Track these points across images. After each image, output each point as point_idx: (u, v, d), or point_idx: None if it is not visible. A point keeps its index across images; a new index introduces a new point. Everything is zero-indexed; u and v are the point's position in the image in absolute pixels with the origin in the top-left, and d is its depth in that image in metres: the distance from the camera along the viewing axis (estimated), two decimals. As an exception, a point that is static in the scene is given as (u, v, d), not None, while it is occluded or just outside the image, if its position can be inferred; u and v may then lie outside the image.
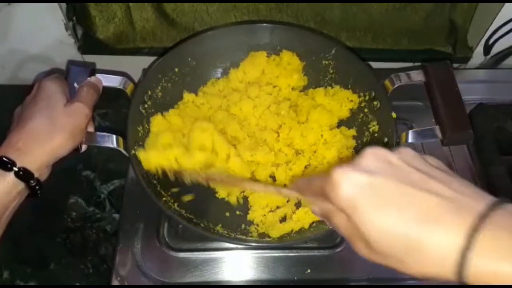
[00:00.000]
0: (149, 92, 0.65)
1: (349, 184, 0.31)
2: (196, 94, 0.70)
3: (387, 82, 0.64)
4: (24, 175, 0.47)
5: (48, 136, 0.50)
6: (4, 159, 0.47)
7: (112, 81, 0.61)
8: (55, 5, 0.67)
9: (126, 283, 0.59)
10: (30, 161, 0.48)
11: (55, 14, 0.69)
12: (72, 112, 0.52)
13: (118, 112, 0.76)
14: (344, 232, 0.34)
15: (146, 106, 0.64)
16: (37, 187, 0.49)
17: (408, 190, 0.30)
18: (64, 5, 0.69)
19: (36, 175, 0.49)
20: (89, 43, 0.75)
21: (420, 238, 0.28)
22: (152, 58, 0.75)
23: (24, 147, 0.48)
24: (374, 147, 0.33)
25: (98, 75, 0.60)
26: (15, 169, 0.47)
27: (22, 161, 0.47)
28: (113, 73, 0.61)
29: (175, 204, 0.60)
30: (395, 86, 0.63)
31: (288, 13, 0.74)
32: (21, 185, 0.48)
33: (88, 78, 0.58)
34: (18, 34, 0.72)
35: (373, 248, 0.31)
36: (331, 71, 0.71)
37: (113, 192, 0.71)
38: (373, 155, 0.32)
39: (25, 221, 0.49)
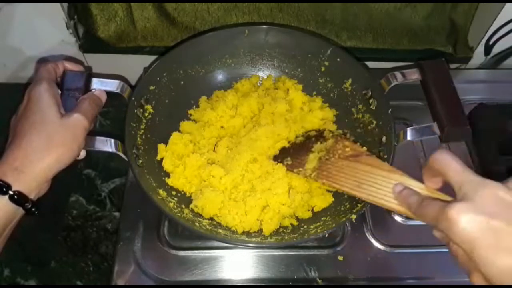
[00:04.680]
0: (146, 96, 0.64)
1: (467, 224, 0.32)
2: (196, 104, 0.71)
3: (383, 81, 0.64)
4: (18, 199, 0.46)
5: (46, 152, 0.48)
6: (0, 182, 0.45)
7: (109, 86, 0.59)
8: (57, 4, 0.67)
9: (126, 282, 0.59)
10: (28, 180, 0.47)
11: (56, 13, 0.69)
12: (70, 125, 0.50)
13: (119, 111, 0.76)
14: (460, 262, 0.36)
15: (142, 110, 0.64)
16: (33, 209, 0.48)
17: None
18: (65, 4, 0.69)
19: (33, 195, 0.48)
20: (90, 42, 0.75)
21: None
22: (153, 57, 0.76)
23: (21, 166, 0.47)
24: (494, 185, 0.34)
25: (94, 79, 0.58)
26: (10, 192, 0.45)
27: (20, 182, 0.46)
28: (110, 77, 0.60)
29: (175, 205, 0.60)
30: (392, 84, 0.63)
31: (288, 13, 0.74)
32: (16, 207, 0.47)
33: (93, 91, 0.57)
34: (19, 33, 0.72)
35: (491, 282, 0.33)
36: (327, 72, 0.71)
37: (114, 190, 0.71)
38: (493, 196, 0.34)
39: (26, 219, 0.49)
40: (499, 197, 0.33)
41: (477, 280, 0.35)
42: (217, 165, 0.62)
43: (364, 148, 0.56)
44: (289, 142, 0.65)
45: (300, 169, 0.59)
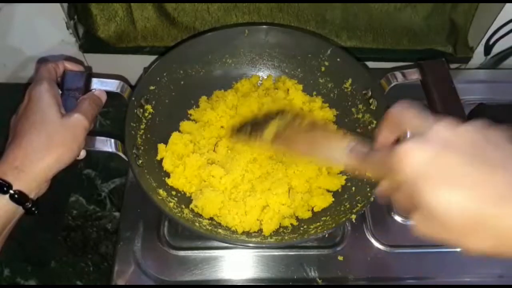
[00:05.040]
0: (146, 96, 0.65)
1: (417, 157, 0.31)
2: (196, 104, 0.71)
3: (383, 81, 0.64)
4: (19, 198, 0.46)
5: (46, 152, 0.48)
6: (0, 181, 0.45)
7: (109, 86, 0.60)
8: (57, 4, 0.67)
9: (126, 282, 0.59)
10: (28, 179, 0.47)
11: (56, 13, 0.69)
12: (70, 125, 0.51)
13: (119, 110, 0.76)
14: (403, 204, 0.34)
15: (142, 110, 0.64)
16: (33, 208, 0.48)
17: (482, 168, 0.30)
18: (65, 4, 0.69)
19: (33, 194, 0.48)
20: (90, 42, 0.75)
21: (496, 216, 0.29)
22: (153, 57, 0.76)
23: (21, 165, 0.47)
24: (446, 121, 0.33)
25: (94, 79, 0.59)
26: (11, 191, 0.46)
27: (20, 181, 0.46)
28: (110, 77, 0.60)
29: (175, 205, 0.60)
30: (392, 84, 0.63)
31: (288, 13, 0.74)
32: (16, 207, 0.47)
33: (93, 91, 0.57)
34: (19, 33, 0.72)
35: (435, 220, 0.31)
36: (327, 72, 0.71)
37: (114, 190, 0.71)
38: (445, 129, 0.32)
39: (25, 219, 0.49)
40: (455, 132, 0.32)
41: (418, 219, 0.33)
42: (217, 165, 0.62)
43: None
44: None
45: (259, 137, 0.57)
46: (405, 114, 0.37)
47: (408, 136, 0.35)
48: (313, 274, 0.61)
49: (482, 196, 0.29)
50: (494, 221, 0.29)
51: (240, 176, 0.62)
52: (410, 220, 0.65)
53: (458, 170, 0.30)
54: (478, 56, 0.80)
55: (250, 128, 0.60)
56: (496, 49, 0.79)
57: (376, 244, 0.64)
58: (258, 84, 0.74)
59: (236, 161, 0.62)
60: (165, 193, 0.60)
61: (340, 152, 0.42)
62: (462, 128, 0.32)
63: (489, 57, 0.81)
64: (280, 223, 0.61)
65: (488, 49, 0.79)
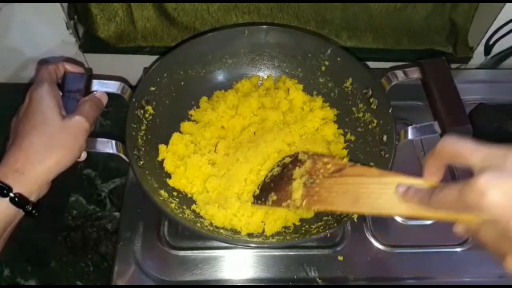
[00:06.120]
0: (147, 97, 0.65)
1: (501, 191, 0.28)
2: (196, 105, 0.71)
3: (383, 80, 0.64)
4: (19, 201, 0.46)
5: (46, 154, 0.48)
6: (0, 184, 0.45)
7: (109, 87, 0.59)
8: (57, 4, 0.67)
9: (126, 282, 0.59)
10: (29, 182, 0.47)
11: (56, 13, 0.69)
12: (71, 127, 0.50)
13: (119, 111, 0.76)
14: (492, 245, 0.32)
15: (143, 111, 0.64)
16: (33, 211, 0.48)
17: None
18: (65, 4, 0.69)
19: (33, 197, 0.48)
20: (90, 42, 0.75)
21: None
22: (154, 57, 0.76)
23: (22, 167, 0.47)
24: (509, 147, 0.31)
25: (94, 81, 0.58)
26: (11, 195, 0.45)
27: (20, 183, 0.46)
28: (111, 78, 0.60)
29: (176, 206, 0.60)
30: (392, 83, 0.63)
31: (288, 13, 0.74)
32: (16, 210, 0.47)
33: (94, 93, 0.57)
34: (19, 33, 0.72)
35: None
36: (327, 71, 0.71)
37: (114, 190, 0.71)
38: None
39: (25, 219, 0.49)
40: None
41: None
42: (217, 178, 0.62)
43: (345, 159, 0.54)
44: (265, 177, 0.61)
45: (288, 201, 0.54)
46: (462, 147, 0.34)
47: (478, 170, 0.32)
48: (313, 274, 0.61)
49: None
50: None
51: (243, 184, 0.62)
52: (410, 220, 0.65)
53: None
54: (478, 56, 0.80)
55: (274, 191, 0.57)
56: (496, 49, 0.79)
57: (376, 244, 0.64)
58: (259, 84, 0.74)
59: (238, 169, 0.62)
60: (166, 194, 0.60)
61: (392, 201, 0.39)
62: None
63: (489, 57, 0.81)
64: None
65: (488, 49, 0.79)
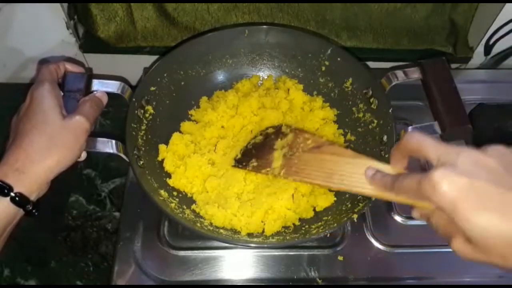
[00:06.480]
0: (147, 97, 0.65)
1: (450, 185, 0.33)
2: (196, 105, 0.71)
3: (383, 80, 0.64)
4: (20, 200, 0.46)
5: (47, 154, 0.48)
6: (1, 183, 0.45)
7: (109, 87, 0.60)
8: (57, 4, 0.67)
9: (126, 282, 0.59)
10: (29, 181, 0.47)
11: (56, 13, 0.69)
12: (71, 127, 0.50)
13: (119, 110, 0.76)
14: (442, 229, 0.37)
15: (143, 111, 0.64)
16: (33, 210, 0.48)
17: (507, 194, 0.32)
18: (65, 4, 0.69)
19: (33, 196, 0.48)
20: (90, 42, 0.75)
21: None
22: (154, 57, 0.76)
23: (22, 167, 0.47)
24: (473, 151, 0.35)
25: (95, 81, 0.59)
26: (12, 194, 0.45)
27: (21, 183, 0.46)
28: (111, 78, 0.60)
29: (176, 205, 0.60)
30: (392, 84, 0.63)
31: (288, 13, 0.74)
32: (16, 209, 0.47)
33: (94, 93, 0.57)
34: (19, 33, 0.72)
35: (474, 245, 0.33)
36: (327, 71, 0.71)
37: (114, 190, 0.71)
38: (473, 160, 0.34)
39: (26, 219, 0.49)
40: (479, 161, 0.34)
41: (458, 245, 0.35)
42: (216, 178, 0.62)
43: (325, 137, 0.56)
44: (248, 143, 0.64)
45: (268, 168, 0.58)
46: (424, 143, 0.38)
47: (435, 166, 0.36)
48: (313, 274, 0.61)
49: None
50: None
51: (243, 184, 0.62)
52: (410, 220, 0.65)
53: (492, 195, 0.32)
54: (478, 56, 0.80)
55: (255, 158, 0.60)
56: (496, 49, 0.79)
57: (376, 244, 0.64)
58: (259, 84, 0.74)
59: (237, 169, 0.62)
60: (166, 194, 0.60)
61: (361, 181, 0.43)
62: (488, 153, 0.35)
63: (489, 57, 0.81)
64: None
65: (488, 49, 0.79)
